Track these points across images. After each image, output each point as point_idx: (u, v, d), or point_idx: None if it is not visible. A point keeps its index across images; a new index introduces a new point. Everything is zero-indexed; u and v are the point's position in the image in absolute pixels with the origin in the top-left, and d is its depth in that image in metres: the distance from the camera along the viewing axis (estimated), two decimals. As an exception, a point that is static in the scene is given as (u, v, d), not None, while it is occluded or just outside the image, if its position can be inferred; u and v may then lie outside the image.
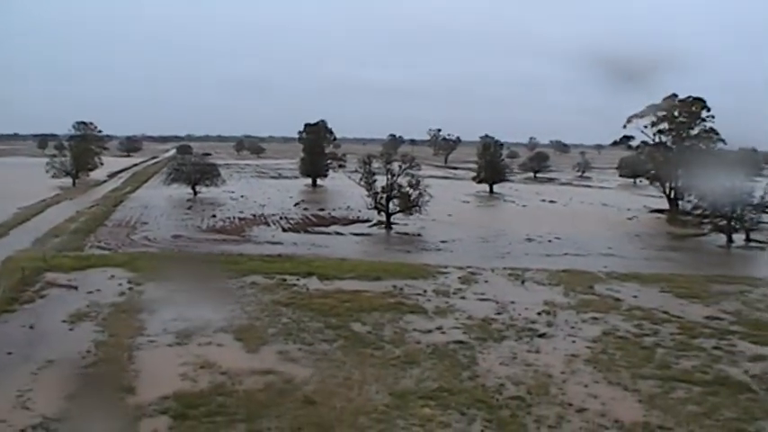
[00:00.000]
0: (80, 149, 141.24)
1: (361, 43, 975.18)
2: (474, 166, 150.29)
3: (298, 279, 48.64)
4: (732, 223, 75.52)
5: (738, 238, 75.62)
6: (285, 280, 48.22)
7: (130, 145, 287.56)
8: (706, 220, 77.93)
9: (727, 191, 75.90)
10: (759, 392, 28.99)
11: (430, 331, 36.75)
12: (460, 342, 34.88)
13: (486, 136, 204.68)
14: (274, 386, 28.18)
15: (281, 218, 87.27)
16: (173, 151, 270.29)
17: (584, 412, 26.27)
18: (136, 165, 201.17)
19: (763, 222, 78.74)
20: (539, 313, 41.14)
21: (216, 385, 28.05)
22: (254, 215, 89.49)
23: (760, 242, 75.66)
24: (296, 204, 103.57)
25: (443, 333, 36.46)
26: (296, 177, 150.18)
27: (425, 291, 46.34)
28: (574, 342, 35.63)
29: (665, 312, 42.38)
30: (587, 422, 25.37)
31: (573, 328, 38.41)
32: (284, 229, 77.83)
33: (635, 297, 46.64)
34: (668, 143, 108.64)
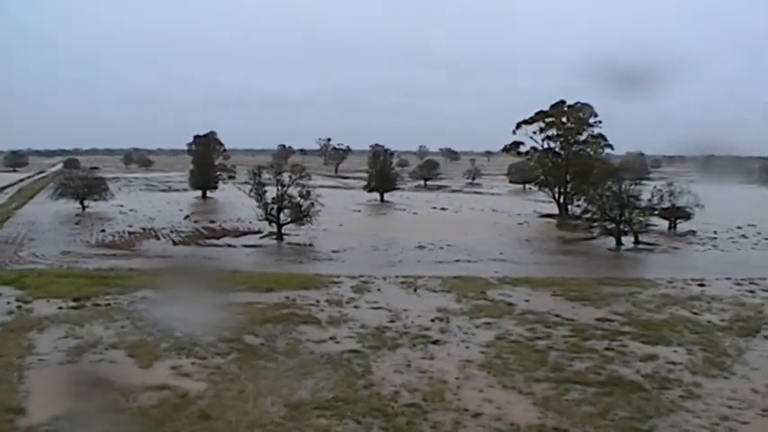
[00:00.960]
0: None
1: (253, 54, 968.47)
2: (364, 175, 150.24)
3: (189, 293, 47.48)
4: (621, 226, 76.80)
5: (627, 240, 76.91)
6: (176, 294, 47.02)
7: (16, 160, 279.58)
8: (595, 224, 79.17)
9: (615, 195, 77.32)
10: (651, 391, 29.18)
11: (324, 341, 36.15)
12: (355, 351, 34.36)
13: (377, 145, 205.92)
14: (169, 401, 27.32)
15: (171, 231, 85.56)
16: (59, 165, 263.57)
17: (480, 417, 26.01)
18: (22, 180, 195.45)
19: (651, 225, 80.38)
20: (432, 320, 40.85)
21: (109, 402, 26.96)
22: (144, 229, 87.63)
23: (648, 244, 77.15)
24: (186, 217, 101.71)
25: (337, 343, 35.91)
26: (186, 190, 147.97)
27: (318, 301, 45.71)
28: (468, 348, 35.42)
29: (557, 315, 42.59)
30: (483, 427, 25.13)
31: (466, 333, 38.22)
32: (175, 243, 76.33)
33: (527, 301, 46.79)
34: (557, 149, 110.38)
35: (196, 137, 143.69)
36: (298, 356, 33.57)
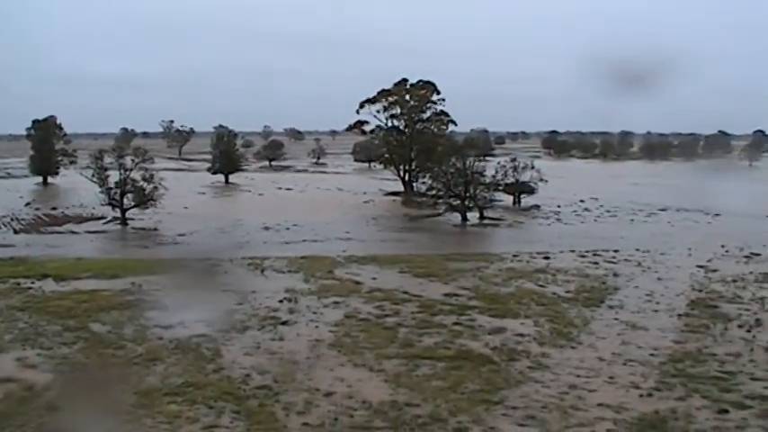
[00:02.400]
0: None
1: (93, 34, 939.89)
2: (209, 157, 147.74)
3: (32, 282, 45.42)
4: (466, 202, 77.72)
5: (473, 216, 77.87)
6: (19, 284, 44.90)
7: None
8: (440, 201, 79.89)
9: (459, 171, 78.16)
10: (500, 363, 29.38)
11: (171, 326, 34.86)
12: (203, 335, 33.32)
13: (221, 126, 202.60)
14: (14, 395, 25.99)
15: (11, 219, 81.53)
16: None
17: (332, 396, 25.60)
18: None
19: (496, 200, 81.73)
20: (280, 301, 40.22)
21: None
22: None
23: (493, 219, 78.35)
24: (27, 204, 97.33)
25: (185, 327, 34.67)
26: (26, 176, 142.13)
27: (165, 285, 44.42)
28: (317, 327, 34.97)
29: (405, 292, 42.58)
30: (335, 405, 24.72)
31: (315, 313, 37.76)
32: (15, 231, 72.92)
33: (374, 279, 46.69)
34: (401, 127, 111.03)
35: (35, 121, 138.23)
36: (146, 342, 32.42)
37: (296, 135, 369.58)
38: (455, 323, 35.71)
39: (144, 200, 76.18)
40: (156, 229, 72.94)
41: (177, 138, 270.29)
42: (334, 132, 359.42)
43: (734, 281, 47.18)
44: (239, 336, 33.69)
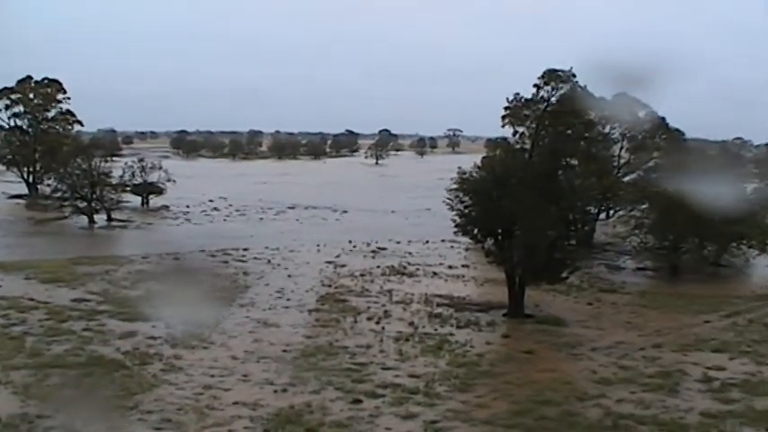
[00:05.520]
0: None
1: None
2: None
3: None
4: (93, 204, 75.93)
5: (101, 218, 76.15)
6: None
7: None
8: (66, 203, 77.43)
9: (85, 172, 76.27)
10: (132, 368, 29.15)
11: None
12: None
13: None
14: None
15: None
16: None
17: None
18: None
19: (125, 202, 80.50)
20: None
21: None
22: None
23: (122, 221, 77.10)
24: None
25: None
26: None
27: None
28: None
29: (32, 299, 40.91)
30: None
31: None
32: None
33: (-1, 287, 44.50)
34: (24, 126, 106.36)
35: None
36: None
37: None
38: (85, 329, 34.89)
39: None
40: None
41: None
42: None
43: (362, 275, 49.84)
44: None
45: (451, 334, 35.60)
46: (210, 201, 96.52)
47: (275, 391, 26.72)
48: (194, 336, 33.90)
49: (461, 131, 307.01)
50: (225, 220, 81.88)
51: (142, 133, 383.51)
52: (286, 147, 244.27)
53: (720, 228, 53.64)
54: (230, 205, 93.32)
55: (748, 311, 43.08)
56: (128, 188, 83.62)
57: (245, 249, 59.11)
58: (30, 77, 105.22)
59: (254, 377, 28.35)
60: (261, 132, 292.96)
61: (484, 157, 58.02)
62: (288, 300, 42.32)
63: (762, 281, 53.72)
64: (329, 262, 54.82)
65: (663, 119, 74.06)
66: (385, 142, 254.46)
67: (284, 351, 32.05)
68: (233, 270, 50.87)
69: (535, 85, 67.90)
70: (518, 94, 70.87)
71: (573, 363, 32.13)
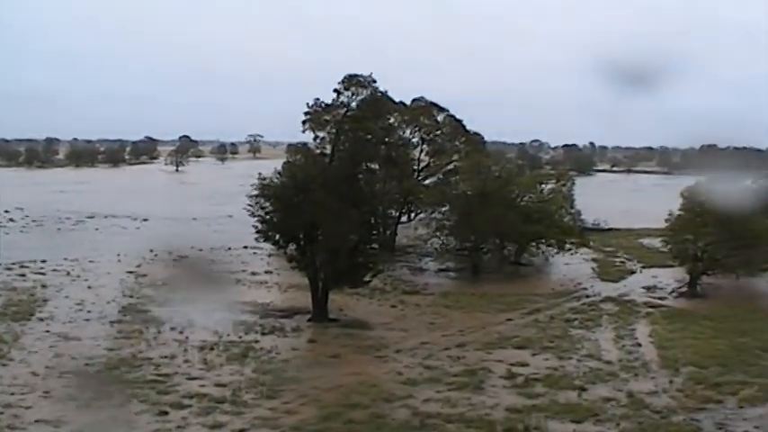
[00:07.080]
0: None
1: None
2: None
3: None
4: None
5: None
6: None
7: None
8: None
9: None
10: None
11: None
12: None
13: None
14: None
15: None
16: None
17: None
18: None
19: None
20: None
21: None
22: None
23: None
24: None
25: None
26: None
27: None
28: None
29: None
30: None
31: None
32: None
33: None
34: None
35: None
36: None
37: None
38: None
39: None
40: None
41: None
42: None
43: (164, 284, 49.29)
44: None
45: (257, 341, 36.10)
46: (6, 212, 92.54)
47: (78, 407, 26.32)
48: (-9, 353, 33.05)
49: (262, 137, 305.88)
50: (21, 231, 78.98)
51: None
52: (84, 154, 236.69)
53: (520, 228, 56.40)
54: (27, 216, 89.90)
55: (549, 308, 45.62)
56: None
57: (43, 261, 57.27)
58: None
59: (56, 393, 27.87)
60: (58, 140, 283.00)
61: (285, 163, 58.42)
62: (89, 312, 41.66)
63: (561, 278, 56.63)
64: (130, 272, 54.12)
65: (461, 122, 76.21)
66: (185, 148, 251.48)
67: (86, 365, 31.69)
68: (31, 283, 49.40)
69: (335, 90, 68.46)
70: (318, 99, 71.14)
71: (379, 365, 33.24)
